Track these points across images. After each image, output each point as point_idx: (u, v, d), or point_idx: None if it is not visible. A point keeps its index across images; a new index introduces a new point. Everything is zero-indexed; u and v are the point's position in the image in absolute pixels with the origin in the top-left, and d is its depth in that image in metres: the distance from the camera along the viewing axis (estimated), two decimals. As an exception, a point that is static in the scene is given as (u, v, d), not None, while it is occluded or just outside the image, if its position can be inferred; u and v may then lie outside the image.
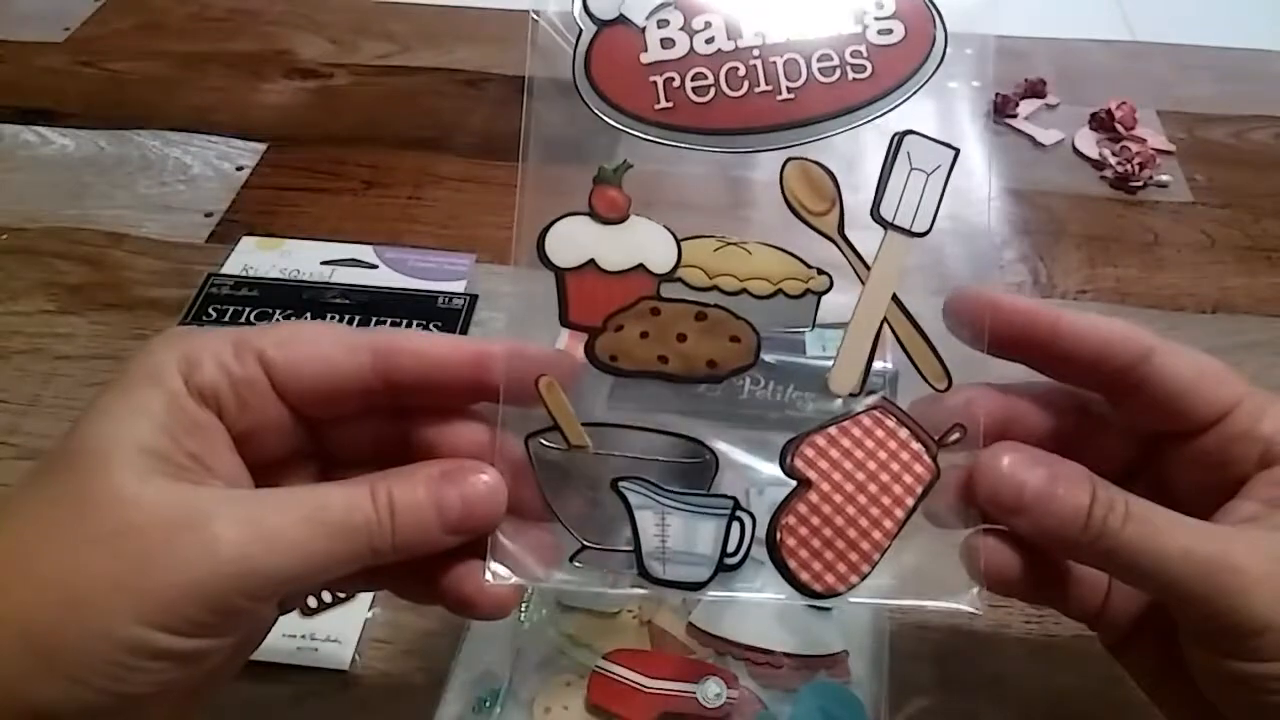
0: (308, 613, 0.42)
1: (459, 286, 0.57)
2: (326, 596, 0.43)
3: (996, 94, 0.71)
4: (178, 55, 0.78)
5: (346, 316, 0.55)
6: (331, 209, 0.64)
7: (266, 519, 0.26)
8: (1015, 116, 0.71)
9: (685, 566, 0.29)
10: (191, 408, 0.28)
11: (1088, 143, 0.70)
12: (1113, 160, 0.68)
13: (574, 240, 0.30)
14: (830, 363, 0.30)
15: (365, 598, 0.43)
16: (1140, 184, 0.66)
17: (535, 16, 0.30)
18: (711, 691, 0.38)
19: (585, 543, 0.30)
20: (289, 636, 0.41)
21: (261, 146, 0.69)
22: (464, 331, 0.55)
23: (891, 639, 0.40)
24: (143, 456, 0.26)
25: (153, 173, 0.66)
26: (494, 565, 0.30)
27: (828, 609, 0.40)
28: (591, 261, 0.30)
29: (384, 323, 0.55)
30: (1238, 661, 0.28)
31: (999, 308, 0.30)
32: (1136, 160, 0.67)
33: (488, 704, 0.38)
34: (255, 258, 0.59)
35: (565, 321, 0.30)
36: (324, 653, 0.41)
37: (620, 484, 0.29)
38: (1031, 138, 0.70)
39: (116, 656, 0.24)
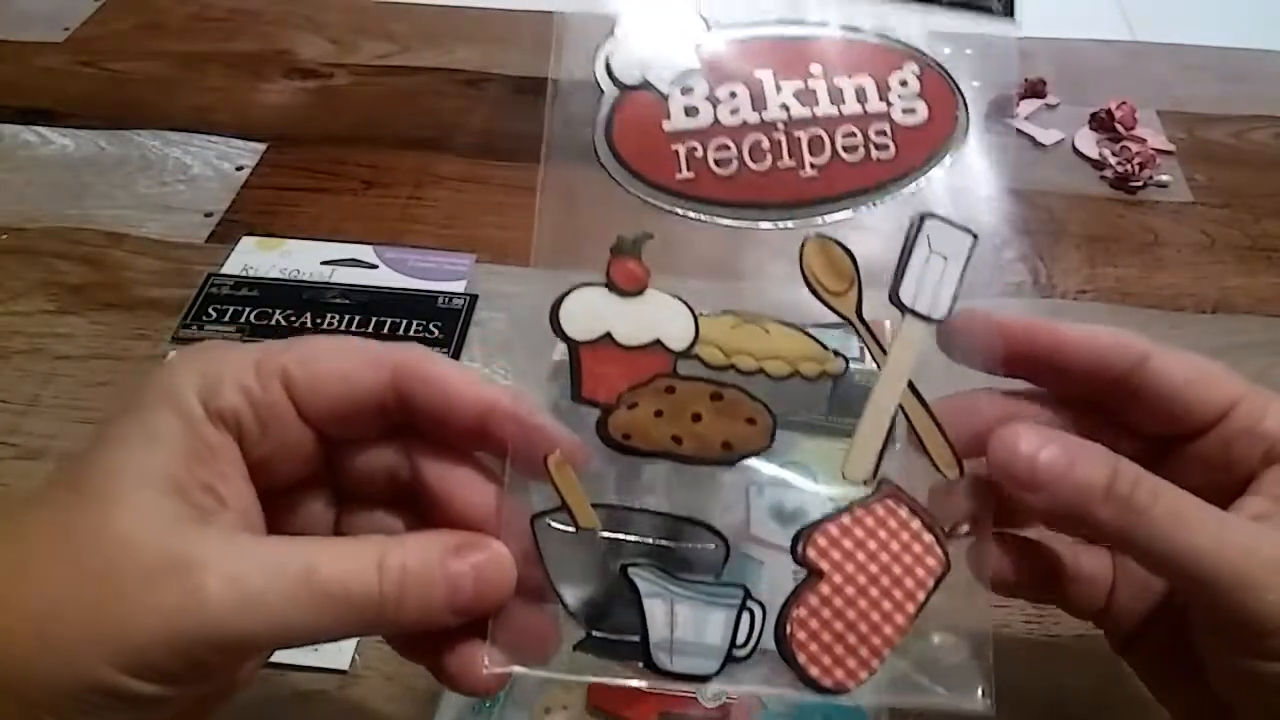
0: (308, 613, 0.42)
1: (459, 286, 0.57)
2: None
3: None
4: (178, 55, 0.78)
5: (346, 316, 0.55)
6: (331, 209, 0.64)
7: (255, 581, 0.25)
8: (1015, 116, 0.71)
9: (693, 658, 0.29)
10: (209, 434, 0.27)
11: (1088, 143, 0.70)
12: (1113, 160, 0.68)
13: (590, 312, 0.29)
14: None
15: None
16: (1140, 184, 0.66)
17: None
18: (711, 691, 0.38)
19: (591, 631, 0.29)
20: (289, 636, 0.41)
21: (261, 146, 0.69)
22: (464, 331, 0.55)
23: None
24: (151, 490, 0.26)
25: (153, 173, 0.66)
26: (493, 651, 0.29)
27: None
28: (607, 335, 0.29)
29: (384, 323, 0.55)
30: (1257, 660, 0.28)
31: (1005, 329, 0.30)
32: (1136, 160, 0.67)
33: (488, 704, 0.38)
34: (255, 258, 0.59)
35: (578, 397, 0.29)
36: (324, 653, 0.41)
37: (630, 570, 0.29)
38: (1031, 138, 0.70)
39: (81, 694, 0.24)
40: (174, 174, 0.66)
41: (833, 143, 0.29)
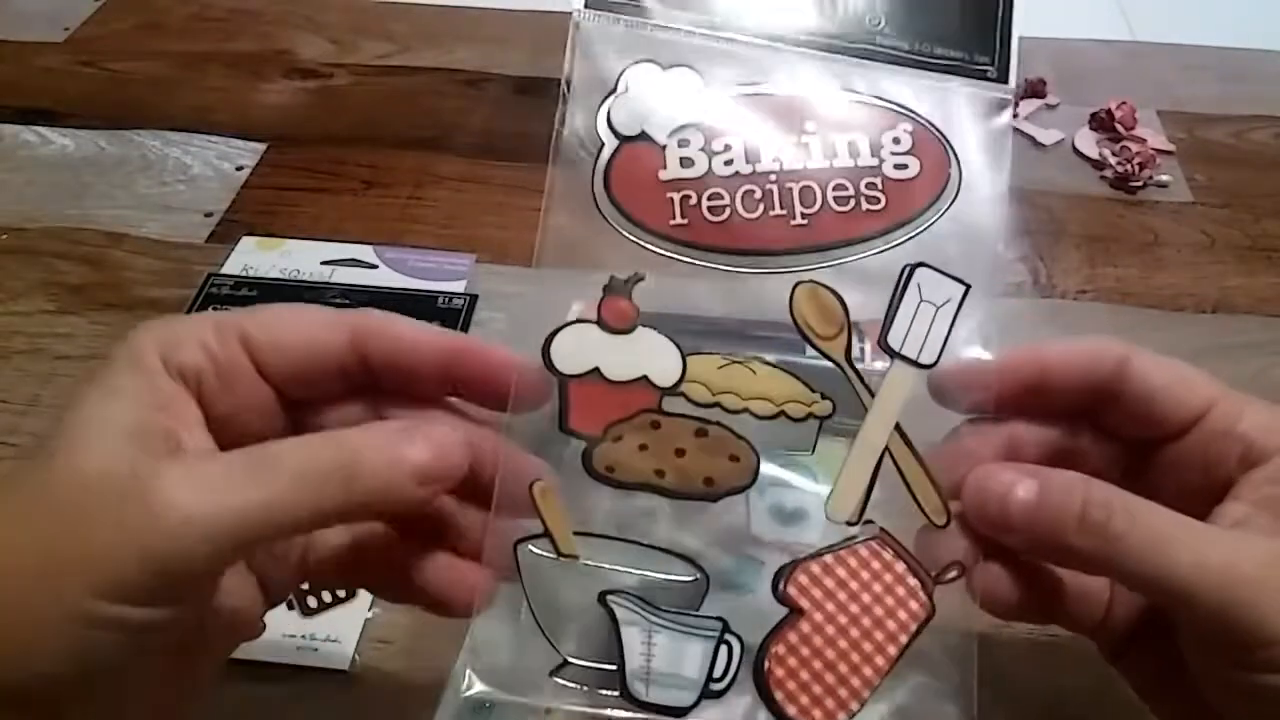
0: (308, 612, 0.42)
1: (459, 286, 0.57)
2: (326, 596, 0.43)
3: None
4: (178, 55, 0.78)
5: (346, 316, 0.55)
6: (331, 209, 0.64)
7: (218, 474, 0.26)
8: (1015, 116, 0.71)
9: (670, 690, 0.29)
10: (166, 385, 0.28)
11: (1088, 143, 0.70)
12: (1113, 160, 0.68)
13: (580, 348, 0.30)
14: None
15: (365, 597, 0.43)
16: (1140, 184, 0.66)
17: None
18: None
19: (568, 658, 0.30)
20: (289, 636, 0.41)
21: (261, 146, 0.69)
22: (464, 331, 0.55)
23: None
24: (113, 434, 0.26)
25: (153, 173, 0.66)
26: (471, 674, 0.29)
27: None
28: (595, 370, 0.30)
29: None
30: (1246, 673, 0.27)
31: (1000, 372, 0.30)
32: (1136, 160, 0.67)
33: (488, 704, 0.38)
34: (255, 258, 0.59)
35: (564, 428, 0.30)
36: (324, 653, 0.41)
37: (609, 598, 0.29)
38: (1031, 138, 0.70)
39: (75, 631, 0.24)
40: (174, 174, 0.66)
41: (823, 194, 0.30)
